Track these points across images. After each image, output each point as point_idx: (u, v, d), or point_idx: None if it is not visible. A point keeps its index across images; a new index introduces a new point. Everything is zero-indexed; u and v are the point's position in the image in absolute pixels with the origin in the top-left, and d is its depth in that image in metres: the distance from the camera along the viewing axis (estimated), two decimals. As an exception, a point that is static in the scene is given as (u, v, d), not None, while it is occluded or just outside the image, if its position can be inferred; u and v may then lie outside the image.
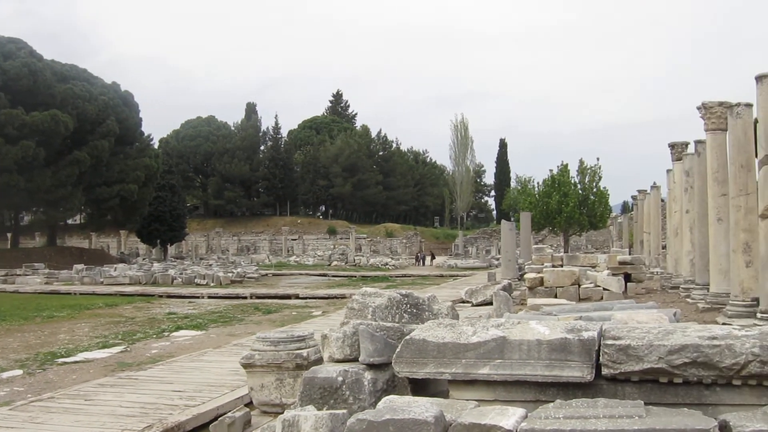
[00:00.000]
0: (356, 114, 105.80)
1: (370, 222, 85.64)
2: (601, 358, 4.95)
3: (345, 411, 4.71)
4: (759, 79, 11.76)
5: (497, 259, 42.82)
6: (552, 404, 4.22)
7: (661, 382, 4.88)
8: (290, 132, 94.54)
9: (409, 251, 67.30)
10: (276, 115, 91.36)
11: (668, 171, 24.31)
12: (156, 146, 67.32)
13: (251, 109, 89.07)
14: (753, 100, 12.51)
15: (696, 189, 18.22)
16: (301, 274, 45.42)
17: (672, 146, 22.23)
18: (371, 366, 5.95)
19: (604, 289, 18.45)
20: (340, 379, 5.78)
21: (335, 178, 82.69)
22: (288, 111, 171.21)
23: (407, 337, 5.46)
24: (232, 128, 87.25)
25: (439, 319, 6.03)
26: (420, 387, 5.82)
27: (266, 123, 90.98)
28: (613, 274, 19.03)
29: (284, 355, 7.98)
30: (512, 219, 39.87)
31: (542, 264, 21.36)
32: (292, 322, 19.16)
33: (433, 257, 60.10)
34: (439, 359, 5.27)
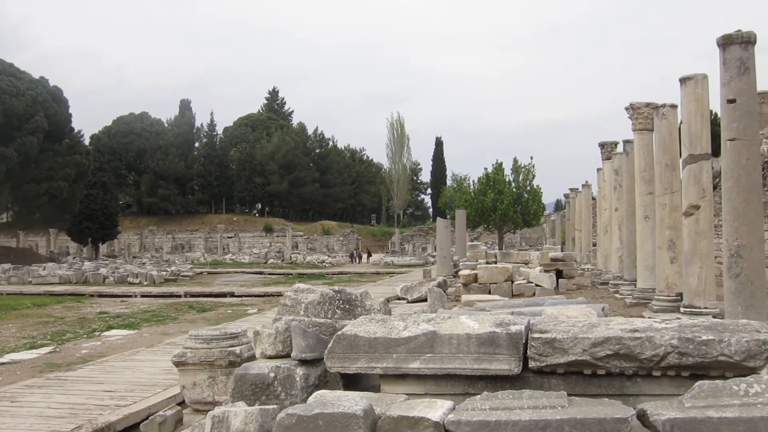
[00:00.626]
0: (293, 111, 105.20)
1: (307, 220, 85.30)
2: (528, 351, 5.07)
3: (276, 406, 4.71)
4: (683, 81, 12.17)
5: (433, 257, 43.19)
6: (479, 396, 4.30)
7: (586, 374, 5.03)
8: (226, 129, 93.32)
9: (346, 249, 67.25)
10: (211, 112, 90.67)
11: (598, 170, 24.92)
12: (87, 143, 65.58)
13: (185, 106, 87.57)
14: (678, 101, 12.90)
15: (624, 187, 18.75)
16: (236, 272, 44.94)
17: (602, 146, 22.83)
18: (303, 362, 5.95)
19: (537, 285, 18.83)
20: (272, 375, 5.76)
21: (272, 176, 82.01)
22: (223, 108, 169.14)
23: (339, 332, 5.47)
24: (166, 125, 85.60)
25: (371, 315, 6.06)
26: (352, 382, 5.86)
27: (201, 120, 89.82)
28: (545, 271, 19.43)
29: (217, 352, 7.90)
30: (448, 217, 40.30)
31: (476, 261, 21.64)
32: (227, 320, 18.98)
33: (369, 255, 60.23)
34: (371, 354, 5.30)
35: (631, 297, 16.03)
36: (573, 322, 5.55)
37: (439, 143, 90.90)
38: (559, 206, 68.74)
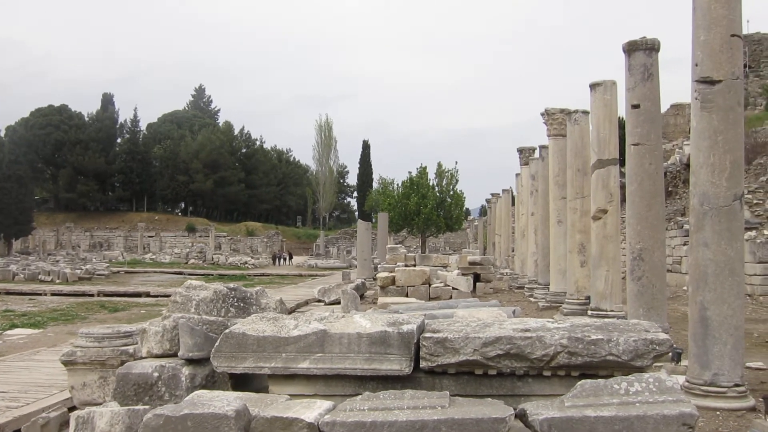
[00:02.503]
0: (219, 110, 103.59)
1: (231, 220, 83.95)
2: (420, 351, 4.95)
3: (147, 407, 4.44)
4: (593, 87, 12.36)
5: (357, 261, 43.06)
6: (359, 396, 4.14)
7: (477, 374, 4.94)
8: (150, 125, 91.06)
9: (270, 250, 66.45)
10: (135, 108, 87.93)
11: (517, 175, 25.28)
12: (2, 134, 62.97)
13: (108, 100, 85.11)
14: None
15: (540, 192, 19.01)
16: (155, 272, 43.85)
17: (520, 151, 23.13)
18: (191, 361, 5.69)
19: (454, 288, 18.91)
20: (155, 374, 5.50)
21: (196, 174, 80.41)
22: (147, 103, 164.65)
23: (227, 330, 5.24)
24: (87, 119, 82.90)
25: (263, 313, 5.84)
26: (241, 383, 5.62)
27: (124, 115, 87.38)
28: (463, 274, 19.54)
29: (109, 351, 7.53)
30: (373, 220, 40.24)
31: (395, 263, 21.61)
32: (139, 320, 18.34)
33: (291, 257, 59.70)
34: (259, 353, 5.09)
35: (544, 300, 16.24)
36: (467, 322, 5.48)
37: (366, 146, 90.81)
38: (483, 212, 69.65)
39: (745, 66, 42.74)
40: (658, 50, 9.88)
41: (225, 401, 3.95)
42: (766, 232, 17.72)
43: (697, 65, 7.45)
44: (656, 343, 4.74)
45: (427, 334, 4.96)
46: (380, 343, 4.93)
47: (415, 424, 3.73)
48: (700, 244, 7.24)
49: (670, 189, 29.64)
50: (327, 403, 4.14)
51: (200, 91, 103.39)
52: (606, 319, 5.43)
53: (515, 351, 4.80)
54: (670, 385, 3.89)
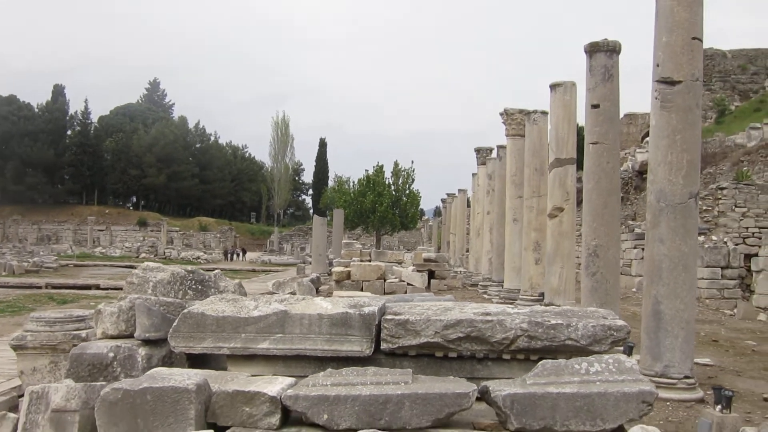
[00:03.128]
0: (173, 104, 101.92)
1: (184, 215, 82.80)
2: (381, 333, 4.94)
3: (104, 382, 4.34)
4: (553, 87, 12.52)
5: (312, 256, 42.88)
6: (322, 373, 4.12)
7: (438, 357, 4.95)
8: (101, 118, 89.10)
9: (223, 246, 65.71)
10: (86, 99, 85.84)
11: (474, 175, 25.45)
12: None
13: (59, 92, 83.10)
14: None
15: (497, 191, 19.18)
16: (105, 266, 42.95)
17: (478, 151, 23.31)
18: (147, 342, 5.60)
19: (408, 284, 18.94)
20: (111, 355, 5.38)
21: (148, 168, 79.06)
22: (100, 96, 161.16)
23: (185, 310, 5.16)
24: (36, 110, 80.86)
25: (222, 294, 5.77)
26: (199, 364, 5.53)
27: (75, 107, 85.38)
28: (418, 271, 19.58)
29: (60, 336, 7.35)
30: (328, 217, 40.12)
31: (351, 259, 21.56)
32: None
33: (244, 252, 59.16)
34: (218, 334, 5.02)
35: (498, 297, 16.38)
36: (428, 305, 5.49)
37: (322, 144, 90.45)
38: (438, 213, 70.01)
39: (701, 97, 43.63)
40: (618, 52, 10.05)
41: (185, 375, 3.89)
42: (714, 237, 18.17)
43: (658, 66, 7.61)
44: (614, 329, 4.82)
45: (389, 316, 4.96)
46: (341, 325, 4.91)
47: (379, 398, 3.73)
48: (655, 239, 7.39)
49: (622, 195, 30.21)
50: (289, 379, 4.12)
51: (154, 85, 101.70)
52: (565, 306, 5.50)
53: (476, 334, 4.83)
54: (629, 366, 3.96)
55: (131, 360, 5.41)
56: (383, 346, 4.92)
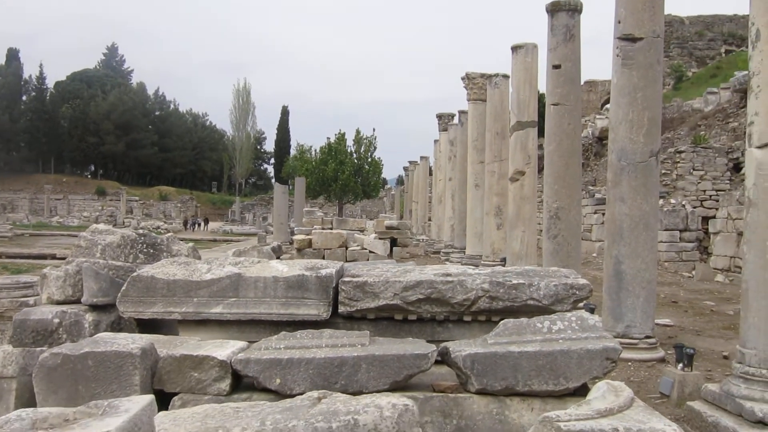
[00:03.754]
0: (132, 70, 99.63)
1: (144, 184, 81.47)
2: (339, 295, 4.78)
3: (44, 348, 4.12)
4: (514, 49, 12.37)
5: (273, 225, 42.53)
6: (276, 336, 3.95)
7: (397, 320, 4.81)
8: (57, 84, 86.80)
9: (184, 216, 64.90)
10: (41, 64, 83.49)
11: (435, 141, 25.31)
12: None
13: (13, 55, 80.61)
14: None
15: (459, 157, 19.07)
16: (63, 236, 42.04)
17: (439, 117, 23.14)
18: (95, 307, 5.36)
19: (370, 251, 18.82)
20: (56, 320, 5.13)
21: (107, 136, 77.42)
22: (56, 61, 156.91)
23: (134, 274, 4.92)
24: (-12, 74, 78.48)
25: (174, 258, 5.55)
26: (150, 330, 5.32)
27: (30, 71, 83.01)
28: (380, 238, 19.45)
29: (7, 303, 7.13)
30: (290, 186, 39.74)
31: (312, 227, 21.36)
32: (41, 281, 17.55)
33: (207, 222, 58.52)
34: (169, 298, 4.81)
35: (460, 264, 16.33)
36: (387, 267, 5.34)
37: (285, 112, 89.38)
38: (401, 181, 69.85)
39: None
40: (580, 12, 9.92)
41: (130, 340, 3.69)
42: (672, 201, 18.32)
43: (620, 22, 7.48)
44: (576, 287, 4.72)
45: (347, 278, 4.79)
46: (298, 287, 4.73)
47: (334, 361, 3.57)
48: (616, 199, 7.32)
49: (582, 161, 30.38)
50: (241, 343, 3.94)
51: (112, 50, 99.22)
52: (527, 267, 5.39)
53: (436, 295, 4.69)
54: (592, 323, 3.86)
55: (78, 326, 5.18)
56: (341, 309, 4.76)
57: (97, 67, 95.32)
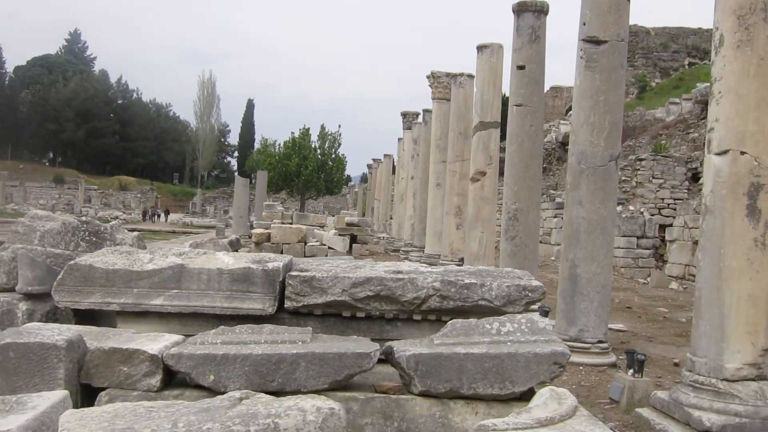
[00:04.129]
0: (95, 57, 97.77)
1: (104, 173, 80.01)
2: (285, 290, 4.61)
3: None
4: (480, 49, 12.30)
5: (233, 218, 42.03)
6: (214, 330, 3.77)
7: (345, 317, 4.66)
8: (17, 68, 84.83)
9: (144, 206, 63.93)
10: (0, 48, 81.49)
11: (399, 139, 25.21)
12: None
13: (-31, 37, 78.75)
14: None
15: (422, 156, 18.99)
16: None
17: (404, 115, 23.04)
18: (30, 296, 5.11)
19: (330, 248, 18.63)
20: (-14, 309, 4.88)
21: (67, 123, 75.88)
22: (15, 46, 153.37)
23: (72, 262, 4.69)
24: (-56, 56, 76.40)
25: (116, 247, 5.32)
26: (89, 320, 5.09)
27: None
28: (340, 235, 19.28)
29: (-60, 290, 6.77)
30: (253, 180, 39.32)
31: (272, 221, 21.08)
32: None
33: (167, 213, 57.69)
34: (108, 288, 4.59)
35: (419, 262, 16.25)
36: (338, 263, 5.19)
37: (250, 105, 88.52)
38: (365, 179, 69.68)
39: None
40: (546, 13, 9.86)
41: (56, 331, 3.48)
42: (631, 207, 18.45)
43: (585, 24, 7.42)
44: (529, 289, 4.62)
45: (294, 273, 4.63)
46: (243, 281, 4.55)
47: (272, 357, 3.40)
48: (574, 202, 7.26)
49: (545, 165, 30.53)
50: (176, 337, 3.75)
51: (75, 36, 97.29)
52: (480, 267, 5.28)
53: (386, 293, 4.55)
54: (542, 326, 3.75)
55: (10, 315, 4.93)
56: (287, 304, 4.59)
57: (59, 52, 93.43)
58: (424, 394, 3.51)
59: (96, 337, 3.79)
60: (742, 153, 4.57)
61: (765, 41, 4.65)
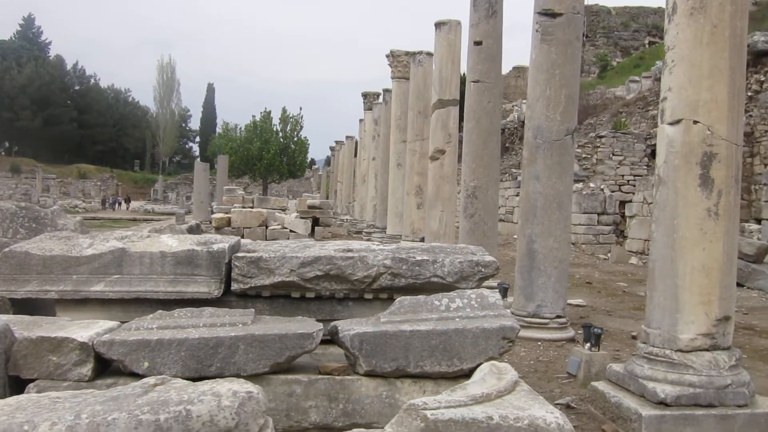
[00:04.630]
0: (50, 42, 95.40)
1: (62, 162, 78.43)
2: (232, 272, 4.45)
3: None
4: (438, 26, 12.15)
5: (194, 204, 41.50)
6: (151, 315, 3.60)
7: (294, 298, 4.52)
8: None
9: (103, 194, 62.90)
10: (-51, 33, 79.16)
11: (361, 121, 25.02)
12: None
13: None
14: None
15: (383, 137, 18.84)
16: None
17: (365, 96, 22.83)
18: (-38, 286, 4.87)
19: (291, 231, 18.42)
20: None
21: (22, 111, 74.12)
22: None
23: (6, 249, 4.48)
24: None
25: (56, 232, 5.10)
26: (28, 310, 4.88)
27: (-65, 40, 78.69)
28: (302, 218, 19.07)
29: None
30: (214, 164, 38.84)
31: (232, 205, 20.80)
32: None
33: (129, 201, 56.84)
34: (45, 275, 4.40)
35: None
36: (287, 243, 5.04)
37: (210, 90, 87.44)
38: (329, 162, 69.29)
39: (582, 35, 44.89)
40: (501, -13, 9.74)
41: (-21, 319, 3.28)
42: (592, 184, 18.52)
43: (539, -4, 7.32)
44: (482, 265, 4.52)
45: (241, 254, 4.47)
46: (187, 264, 4.39)
47: (209, 341, 3.25)
48: (531, 177, 7.19)
49: (507, 145, 30.57)
50: (110, 323, 3.57)
51: (29, 21, 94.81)
52: (434, 243, 5.17)
53: (335, 272, 4.41)
54: (492, 301, 3.65)
55: (-58, 307, 4.70)
56: (234, 286, 4.44)
57: (13, 38, 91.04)
58: (369, 374, 3.39)
59: (27, 327, 3.60)
60: (695, 122, 4.49)
61: (718, 8, 4.57)
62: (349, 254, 4.51)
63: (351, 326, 3.50)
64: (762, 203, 14.81)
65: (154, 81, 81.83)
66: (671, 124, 4.64)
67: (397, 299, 3.76)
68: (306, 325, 3.50)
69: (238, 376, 3.14)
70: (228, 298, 4.50)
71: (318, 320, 4.30)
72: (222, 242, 4.59)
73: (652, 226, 4.77)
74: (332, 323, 3.67)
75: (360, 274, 4.43)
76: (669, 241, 4.47)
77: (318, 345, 3.42)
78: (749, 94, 19.39)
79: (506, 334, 3.39)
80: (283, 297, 4.53)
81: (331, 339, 3.63)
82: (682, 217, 4.40)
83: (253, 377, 3.17)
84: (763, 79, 19.21)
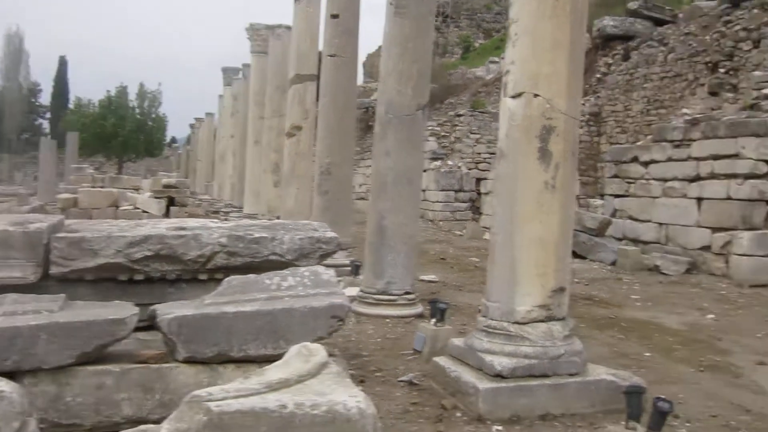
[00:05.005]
0: None
1: None
2: (51, 254, 4.07)
3: None
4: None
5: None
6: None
7: (122, 281, 4.19)
8: None
9: (-60, 174, 58.03)
10: None
11: (220, 96, 24.31)
12: None
13: None
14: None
15: (241, 113, 18.38)
16: None
17: (224, 71, 22.16)
18: None
19: (144, 211, 17.60)
20: None
21: None
22: None
23: None
24: None
25: None
26: None
27: None
28: (156, 197, 18.26)
29: None
30: (68, 143, 36.66)
31: (80, 185, 19.66)
32: None
33: (-35, 182, 52.82)
34: None
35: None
36: (116, 222, 4.70)
37: (63, 63, 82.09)
38: (190, 141, 67.13)
39: (446, 16, 45.73)
40: (355, -40, 9.59)
41: None
42: (450, 162, 18.86)
43: (389, -31, 7.21)
44: (323, 241, 4.37)
45: (61, 235, 4.09)
46: (1, 246, 3.97)
47: (5, 332, 2.91)
48: (382, 153, 7.12)
49: (370, 123, 30.67)
50: None
51: None
52: (277, 220, 4.98)
53: (166, 252, 4.13)
54: (326, 279, 3.51)
55: None
56: (53, 270, 4.05)
57: None
58: (189, 361, 3.16)
59: None
60: (536, 95, 4.51)
61: (559, -18, 4.60)
62: (182, 233, 4.24)
63: (171, 309, 3.26)
64: (606, 179, 15.57)
65: (0, 52, 76.07)
66: (513, 97, 4.64)
67: (226, 279, 3.55)
68: (120, 310, 3.22)
69: (39, 369, 2.84)
70: (47, 283, 4.11)
71: (147, 304, 4.00)
72: (41, 222, 4.19)
73: (494, 200, 4.79)
74: (151, 307, 3.41)
75: (193, 253, 4.17)
76: (508, 215, 4.50)
77: (131, 331, 3.16)
78: (597, 76, 20.34)
79: (335, 313, 3.26)
80: (109, 280, 4.19)
81: (152, 324, 3.37)
82: (521, 191, 4.42)
83: (57, 370, 2.88)
84: (611, 61, 20.13)
